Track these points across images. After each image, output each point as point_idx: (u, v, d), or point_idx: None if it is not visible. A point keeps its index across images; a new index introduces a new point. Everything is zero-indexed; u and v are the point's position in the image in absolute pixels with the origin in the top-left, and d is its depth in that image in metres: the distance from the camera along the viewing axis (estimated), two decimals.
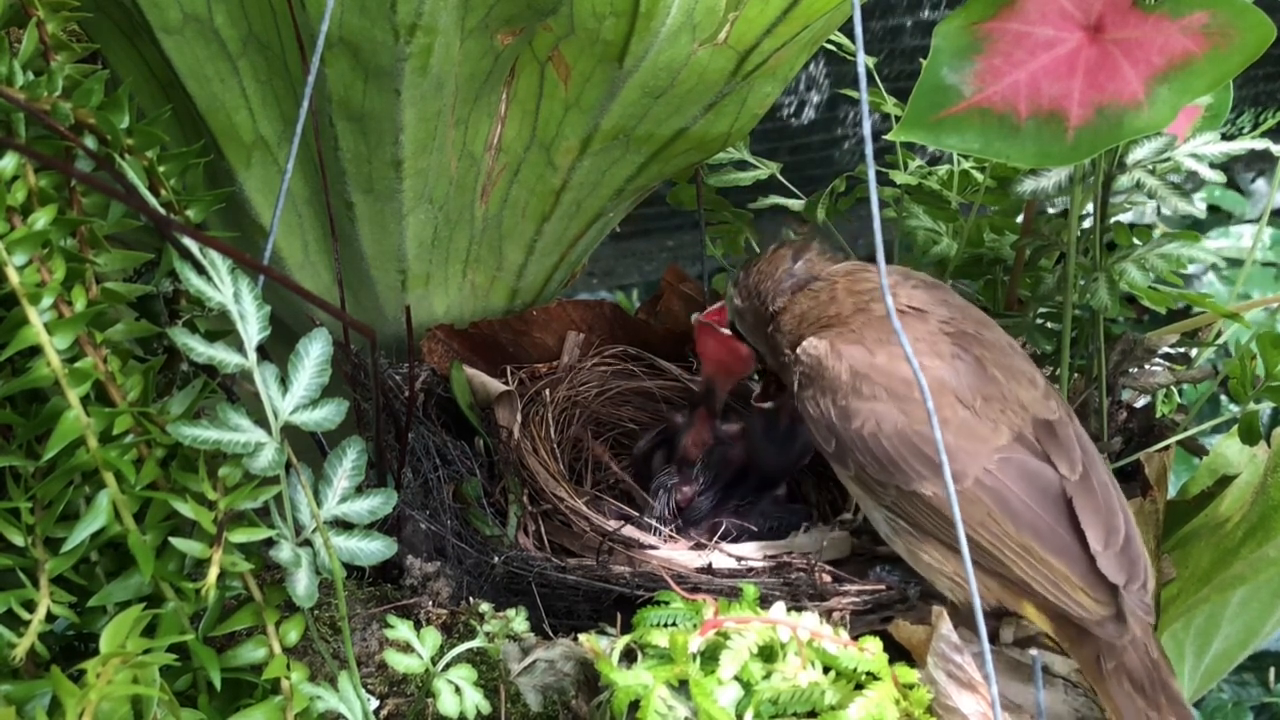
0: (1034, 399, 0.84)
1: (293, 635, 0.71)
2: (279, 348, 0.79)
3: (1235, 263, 2.13)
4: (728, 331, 1.00)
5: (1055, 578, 0.78)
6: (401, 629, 0.74)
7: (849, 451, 0.84)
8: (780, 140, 1.84)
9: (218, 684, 0.68)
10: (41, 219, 0.70)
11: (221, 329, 0.73)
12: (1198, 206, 0.92)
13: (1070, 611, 0.78)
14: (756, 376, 1.11)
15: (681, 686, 0.71)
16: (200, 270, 0.71)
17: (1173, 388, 1.04)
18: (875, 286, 0.88)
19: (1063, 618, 0.79)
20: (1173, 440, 0.98)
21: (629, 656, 0.75)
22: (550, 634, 0.86)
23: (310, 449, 0.90)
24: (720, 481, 1.03)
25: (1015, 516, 0.79)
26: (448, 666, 0.74)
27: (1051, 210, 1.07)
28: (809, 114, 1.80)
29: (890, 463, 0.82)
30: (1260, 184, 2.40)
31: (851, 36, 0.67)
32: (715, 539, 0.94)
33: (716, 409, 1.05)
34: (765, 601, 0.77)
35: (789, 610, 0.75)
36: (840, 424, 0.84)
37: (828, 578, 0.86)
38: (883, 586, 0.86)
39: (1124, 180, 0.92)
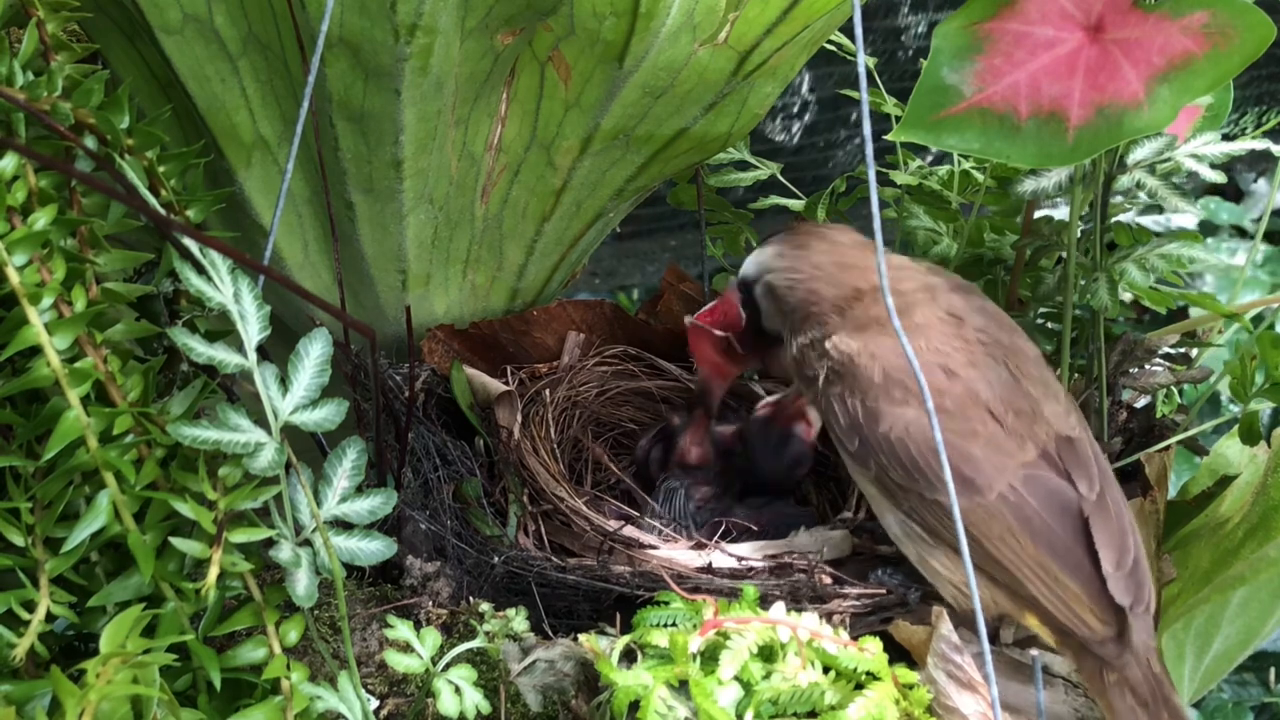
0: (1058, 414, 0.84)
1: (292, 635, 0.71)
2: (279, 348, 0.79)
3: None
4: (720, 332, 1.00)
5: (1066, 597, 0.78)
6: (401, 629, 0.74)
7: (872, 454, 0.83)
8: (783, 141, 1.84)
9: (217, 684, 0.68)
10: (41, 219, 0.70)
11: (221, 329, 0.73)
12: (1198, 210, 0.92)
13: (1075, 631, 0.77)
14: (756, 377, 1.11)
15: (681, 687, 0.71)
16: (200, 270, 0.71)
17: (1173, 388, 1.04)
18: (916, 288, 0.87)
19: (1065, 632, 0.79)
20: (1173, 440, 0.98)
21: (629, 657, 0.75)
22: (550, 634, 0.86)
23: (310, 449, 0.90)
24: (731, 491, 1.03)
25: (1035, 534, 0.79)
26: (448, 666, 0.74)
27: (1051, 211, 1.07)
28: (810, 115, 1.80)
29: (916, 469, 0.81)
30: (1261, 185, 2.40)
31: (853, 37, 0.67)
32: (715, 539, 0.94)
33: (713, 410, 1.05)
34: (765, 602, 0.77)
35: (789, 611, 0.75)
36: (867, 425, 0.83)
37: (828, 580, 0.86)
38: (883, 590, 0.86)
39: (1124, 180, 0.92)
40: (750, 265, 0.95)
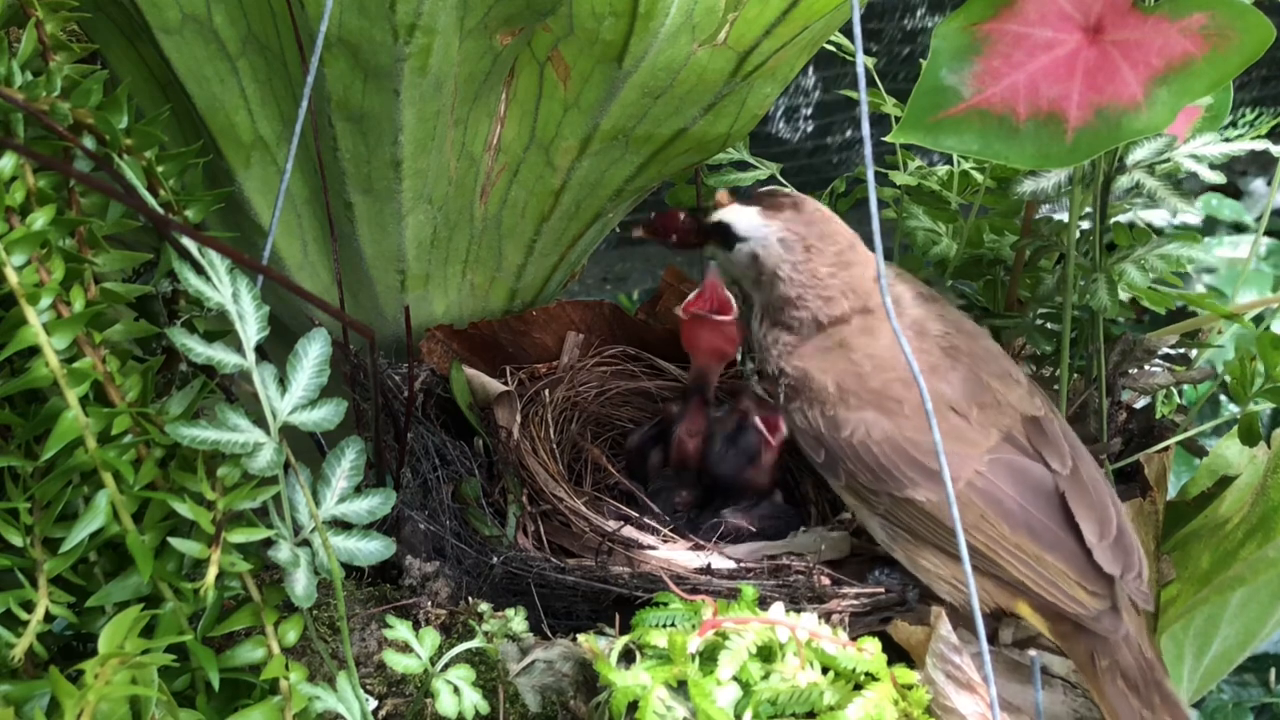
0: (1021, 397, 0.85)
1: (291, 635, 0.71)
2: (278, 348, 0.79)
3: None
4: (726, 317, 1.01)
5: (1051, 574, 0.78)
6: (400, 629, 0.74)
7: (839, 461, 0.84)
8: (795, 142, 1.85)
9: (216, 684, 0.68)
10: (40, 219, 0.70)
11: (220, 329, 0.73)
12: (1196, 209, 0.91)
13: (1066, 608, 0.78)
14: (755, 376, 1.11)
15: (680, 687, 0.71)
16: (199, 270, 0.71)
17: (1172, 388, 1.04)
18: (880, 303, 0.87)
19: (1058, 616, 0.79)
20: (1173, 441, 0.98)
21: (627, 657, 0.75)
22: (549, 634, 0.86)
23: (309, 449, 0.90)
24: (701, 492, 1.03)
25: (1009, 516, 0.79)
26: (446, 667, 0.74)
27: (1049, 209, 1.07)
28: (826, 115, 1.80)
29: (882, 470, 0.82)
30: (1259, 184, 2.40)
31: (860, 38, 0.67)
32: (714, 540, 0.94)
33: (710, 396, 1.05)
34: (764, 603, 0.77)
35: (788, 612, 0.75)
36: (829, 433, 0.84)
37: (826, 580, 0.86)
38: (881, 590, 0.86)
39: (1123, 181, 0.92)
40: (752, 227, 0.90)
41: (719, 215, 0.91)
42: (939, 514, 0.80)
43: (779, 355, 0.89)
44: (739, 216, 0.90)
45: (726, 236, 0.91)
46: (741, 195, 0.95)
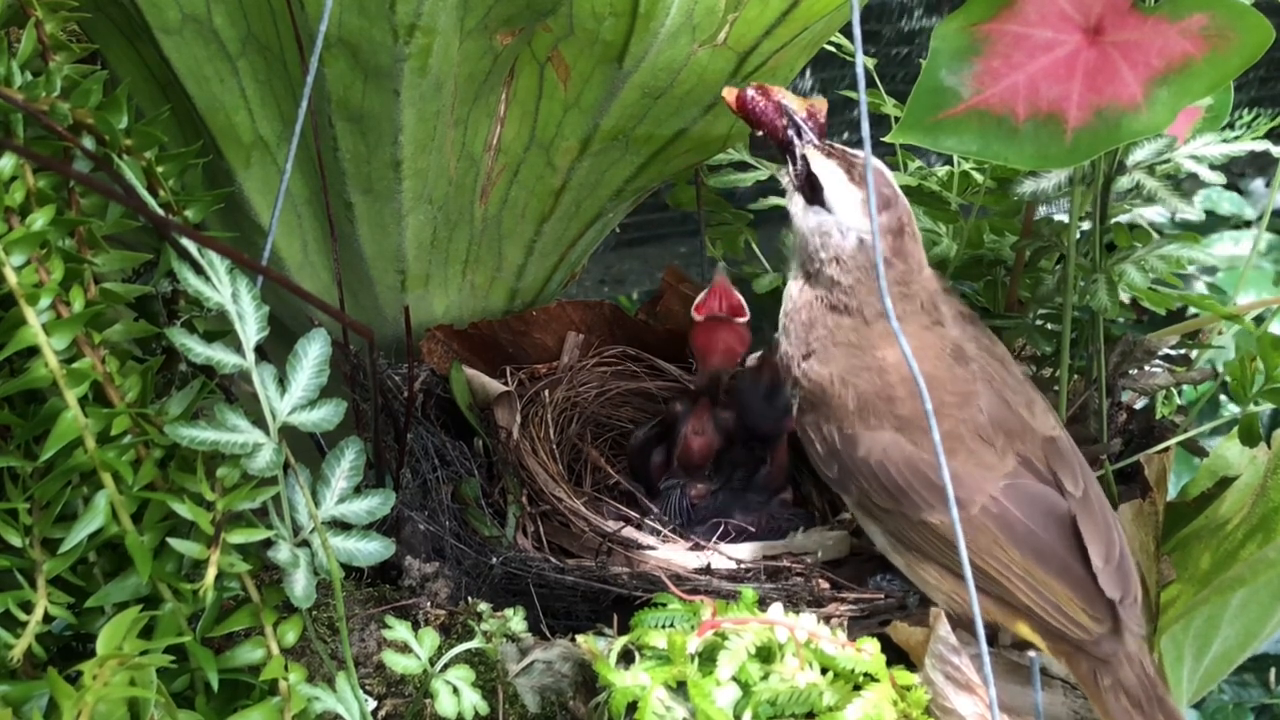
0: (1040, 416, 0.84)
1: (290, 636, 0.71)
2: (277, 348, 0.79)
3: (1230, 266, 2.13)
4: (741, 320, 1.01)
5: (1057, 599, 0.78)
6: (399, 629, 0.74)
7: (853, 479, 0.83)
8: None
9: (215, 685, 0.68)
10: (40, 219, 0.70)
11: (220, 329, 0.73)
12: (1196, 209, 0.91)
13: (1069, 633, 0.77)
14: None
15: (679, 687, 0.71)
16: (199, 270, 0.71)
17: (1172, 389, 1.04)
18: (920, 307, 0.86)
19: (1058, 636, 0.79)
20: (1173, 442, 0.98)
21: (627, 657, 0.75)
22: (548, 635, 0.86)
23: (309, 450, 0.90)
24: (729, 476, 1.03)
25: (1020, 542, 0.79)
26: (446, 667, 0.74)
27: (1049, 209, 1.07)
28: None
29: (899, 491, 0.81)
30: (1259, 185, 2.40)
31: (860, 38, 0.66)
32: (714, 539, 0.94)
33: (719, 395, 1.04)
34: (763, 605, 0.77)
35: (786, 612, 0.75)
36: (845, 452, 0.83)
37: (825, 585, 0.86)
38: (881, 595, 0.86)
39: (1123, 182, 0.92)
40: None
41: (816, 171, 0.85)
42: (953, 537, 0.79)
43: (804, 351, 0.87)
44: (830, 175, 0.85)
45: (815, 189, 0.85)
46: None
